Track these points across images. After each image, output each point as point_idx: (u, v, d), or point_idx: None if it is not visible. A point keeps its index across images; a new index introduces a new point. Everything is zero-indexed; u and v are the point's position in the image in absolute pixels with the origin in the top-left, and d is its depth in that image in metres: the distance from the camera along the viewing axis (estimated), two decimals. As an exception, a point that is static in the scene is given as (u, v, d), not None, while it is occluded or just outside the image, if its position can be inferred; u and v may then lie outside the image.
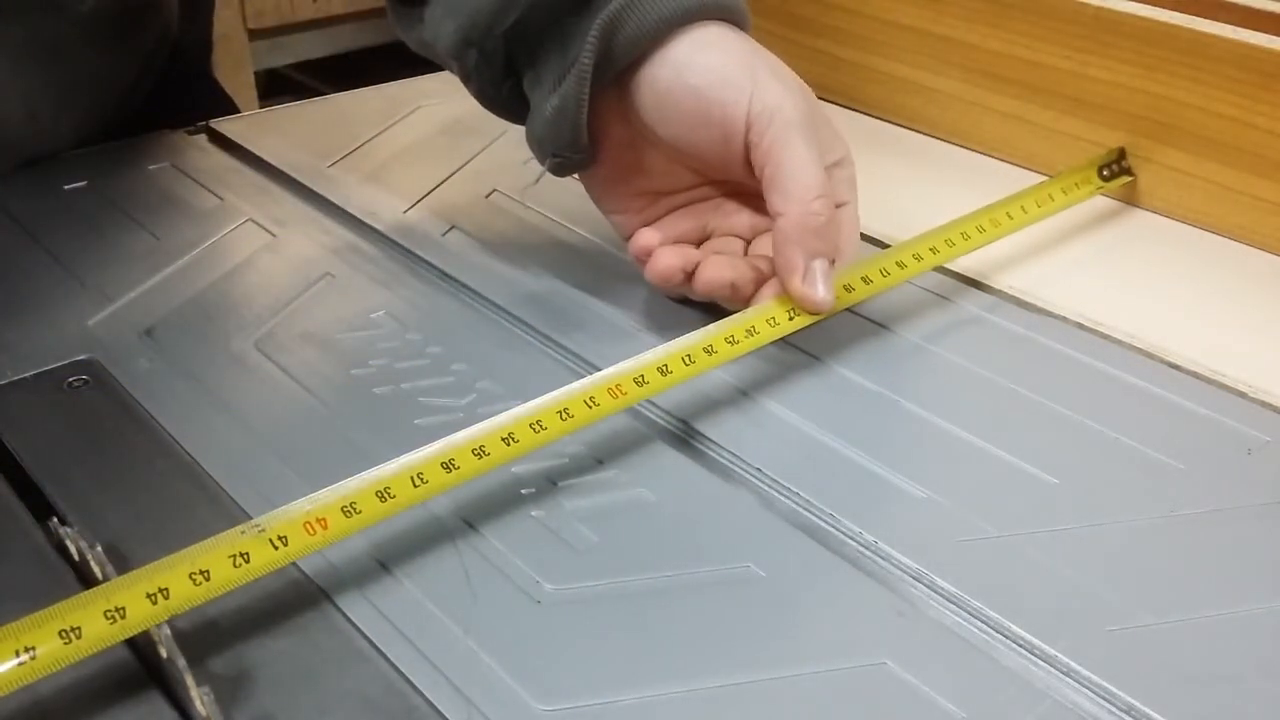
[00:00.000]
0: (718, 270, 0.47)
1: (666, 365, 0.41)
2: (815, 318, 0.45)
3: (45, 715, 0.32)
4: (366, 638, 0.34)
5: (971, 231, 0.50)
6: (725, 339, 0.43)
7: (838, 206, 0.46)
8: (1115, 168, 0.59)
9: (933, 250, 0.49)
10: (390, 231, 0.57)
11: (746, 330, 0.44)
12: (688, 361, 0.42)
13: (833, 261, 0.45)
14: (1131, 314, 0.50)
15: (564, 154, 0.48)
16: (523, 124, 0.50)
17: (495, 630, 0.35)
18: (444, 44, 0.49)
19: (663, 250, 0.48)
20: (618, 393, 0.40)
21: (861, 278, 0.47)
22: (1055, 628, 0.35)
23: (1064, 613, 0.36)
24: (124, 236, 0.57)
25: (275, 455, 0.42)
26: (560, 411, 0.39)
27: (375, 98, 0.74)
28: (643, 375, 0.41)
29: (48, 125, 0.64)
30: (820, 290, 0.44)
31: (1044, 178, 0.58)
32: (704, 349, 0.43)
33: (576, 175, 0.51)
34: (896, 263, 0.48)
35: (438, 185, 0.62)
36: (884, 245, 0.54)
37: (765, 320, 0.44)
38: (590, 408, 0.40)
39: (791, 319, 0.45)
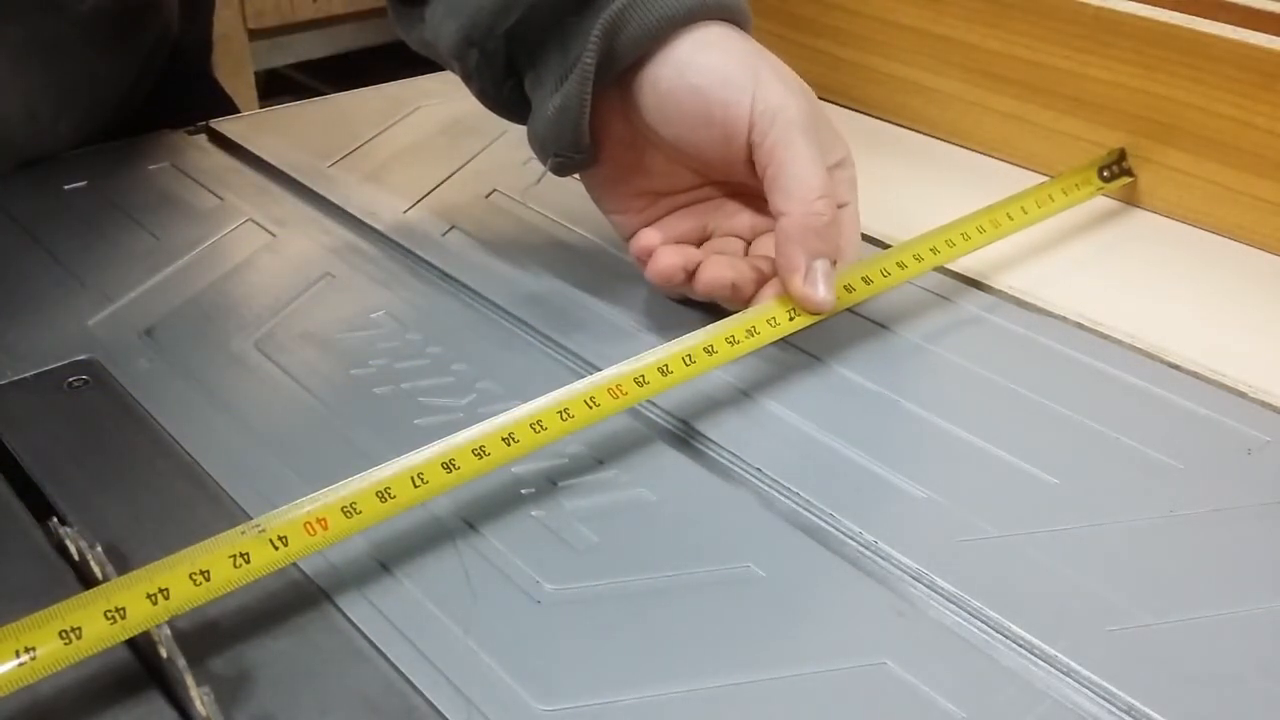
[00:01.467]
0: (718, 270, 0.47)
1: (667, 365, 0.41)
2: (816, 318, 0.45)
3: (45, 715, 0.32)
4: (366, 638, 0.34)
5: (972, 232, 0.50)
6: (726, 339, 0.43)
7: (839, 207, 0.46)
8: (1116, 168, 0.59)
9: (933, 250, 0.49)
10: (390, 231, 0.57)
11: (747, 330, 0.44)
12: (688, 361, 0.42)
13: (834, 262, 0.45)
14: (1131, 314, 0.50)
15: (565, 154, 0.48)
16: (524, 124, 0.50)
17: (495, 630, 0.35)
18: (445, 44, 0.49)
19: (664, 249, 0.48)
20: (618, 393, 0.40)
21: (862, 278, 0.47)
22: (1055, 628, 0.35)
23: (1064, 613, 0.36)
24: (124, 236, 0.57)
25: (275, 455, 0.42)
26: (560, 412, 0.39)
27: (375, 98, 0.74)
28: (643, 375, 0.41)
29: (48, 125, 0.64)
30: (821, 290, 0.44)
31: (1044, 178, 0.58)
32: (704, 349, 0.43)
33: (577, 175, 0.51)
34: (897, 263, 0.48)
35: (438, 185, 0.62)
36: (884, 245, 0.54)
37: (766, 320, 0.44)
38: (591, 408, 0.39)
39: (792, 319, 0.45)
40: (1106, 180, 0.58)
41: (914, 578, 0.37)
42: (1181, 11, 0.56)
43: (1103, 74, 0.59)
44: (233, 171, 0.64)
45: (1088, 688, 0.33)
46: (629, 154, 0.49)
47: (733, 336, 0.43)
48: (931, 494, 0.40)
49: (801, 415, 0.44)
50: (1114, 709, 0.33)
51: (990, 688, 0.33)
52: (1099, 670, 0.33)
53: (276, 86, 1.99)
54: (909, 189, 0.62)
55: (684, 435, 0.44)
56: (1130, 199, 0.60)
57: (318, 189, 0.61)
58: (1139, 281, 0.54)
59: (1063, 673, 0.34)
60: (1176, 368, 0.47)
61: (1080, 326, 0.50)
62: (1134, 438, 0.43)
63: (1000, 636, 0.35)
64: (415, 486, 0.36)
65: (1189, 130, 0.57)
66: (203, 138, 0.68)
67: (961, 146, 0.66)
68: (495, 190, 0.62)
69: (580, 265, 0.54)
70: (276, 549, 0.33)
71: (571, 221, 0.58)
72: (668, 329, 0.48)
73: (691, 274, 0.48)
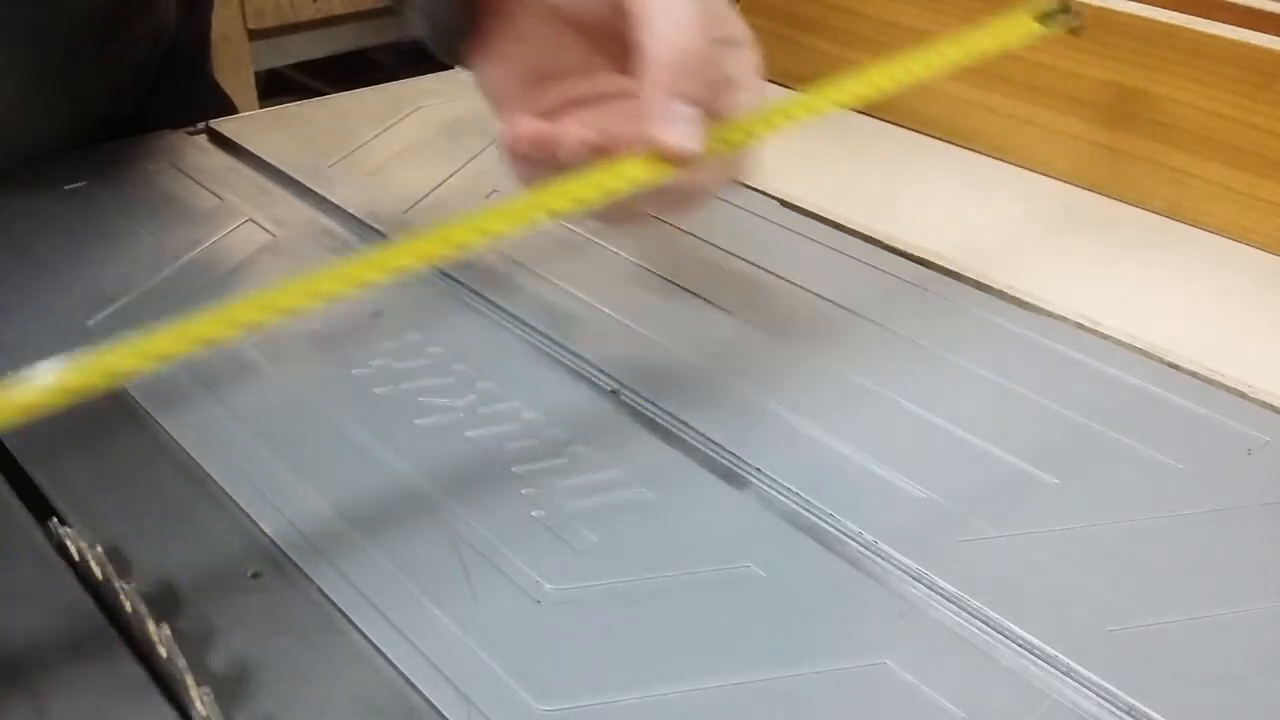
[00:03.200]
0: (581, 131, 0.40)
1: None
2: (678, 171, 0.38)
3: (45, 715, 0.32)
4: (366, 638, 0.34)
5: (880, 79, 0.45)
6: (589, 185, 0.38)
7: (737, 93, 0.40)
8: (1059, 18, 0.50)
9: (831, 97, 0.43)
10: (390, 231, 0.57)
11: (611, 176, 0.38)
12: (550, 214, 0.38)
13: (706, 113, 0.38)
14: (1131, 314, 0.50)
15: (444, 21, 0.43)
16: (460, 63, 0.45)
17: (495, 630, 0.35)
18: None
19: (523, 118, 0.42)
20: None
21: (743, 130, 0.40)
22: (1055, 628, 0.35)
23: (1064, 613, 0.36)
24: (124, 236, 0.57)
25: (275, 455, 0.42)
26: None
27: (375, 98, 0.74)
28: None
29: (44, 125, 0.64)
30: (678, 134, 0.37)
31: (1044, 177, 0.57)
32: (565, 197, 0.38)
33: (470, 72, 0.46)
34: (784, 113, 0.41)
35: (438, 185, 0.62)
36: (884, 245, 0.54)
37: (623, 173, 0.38)
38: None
39: (654, 171, 0.38)
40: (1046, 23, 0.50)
41: (914, 578, 0.37)
42: (1181, 11, 0.56)
43: (1103, 74, 0.59)
44: (233, 171, 0.64)
45: (1088, 688, 0.33)
46: (505, 21, 0.44)
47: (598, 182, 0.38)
48: (931, 494, 0.40)
49: (802, 415, 0.44)
50: (1114, 709, 0.33)
51: (990, 688, 0.33)
52: (1099, 670, 0.33)
53: (276, 86, 1.99)
54: (909, 189, 0.62)
55: (684, 436, 0.44)
56: (1130, 199, 0.60)
57: (318, 189, 0.61)
58: (1139, 281, 0.54)
59: (1063, 673, 0.34)
60: (1176, 368, 0.47)
61: (1080, 326, 0.50)
62: (1134, 438, 0.43)
63: (1000, 636, 0.35)
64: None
65: (1189, 130, 0.57)
66: (203, 138, 0.68)
67: (961, 146, 0.66)
68: (495, 190, 0.62)
69: (581, 265, 0.54)
70: None
71: (572, 222, 0.58)
72: (669, 329, 0.48)
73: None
